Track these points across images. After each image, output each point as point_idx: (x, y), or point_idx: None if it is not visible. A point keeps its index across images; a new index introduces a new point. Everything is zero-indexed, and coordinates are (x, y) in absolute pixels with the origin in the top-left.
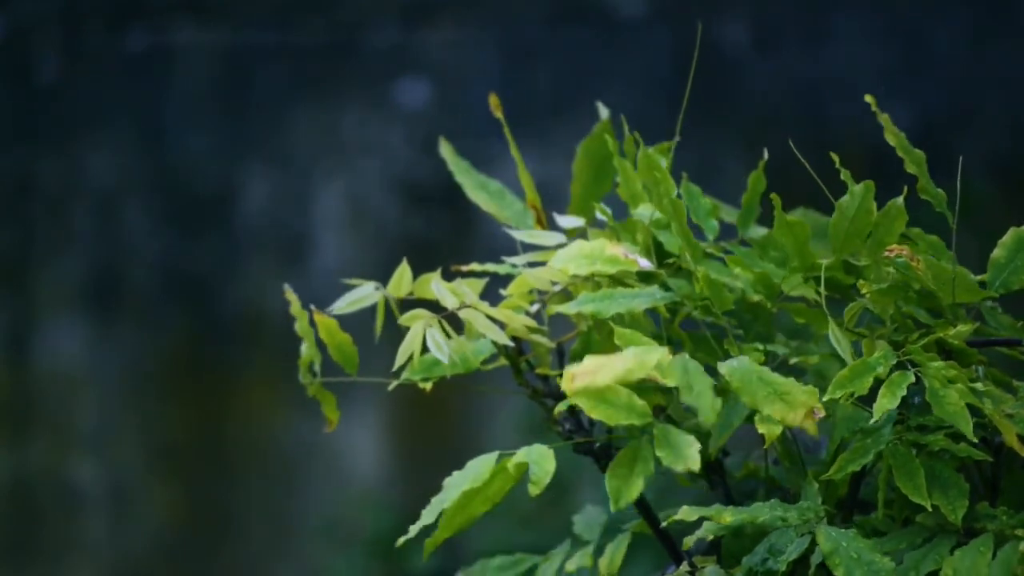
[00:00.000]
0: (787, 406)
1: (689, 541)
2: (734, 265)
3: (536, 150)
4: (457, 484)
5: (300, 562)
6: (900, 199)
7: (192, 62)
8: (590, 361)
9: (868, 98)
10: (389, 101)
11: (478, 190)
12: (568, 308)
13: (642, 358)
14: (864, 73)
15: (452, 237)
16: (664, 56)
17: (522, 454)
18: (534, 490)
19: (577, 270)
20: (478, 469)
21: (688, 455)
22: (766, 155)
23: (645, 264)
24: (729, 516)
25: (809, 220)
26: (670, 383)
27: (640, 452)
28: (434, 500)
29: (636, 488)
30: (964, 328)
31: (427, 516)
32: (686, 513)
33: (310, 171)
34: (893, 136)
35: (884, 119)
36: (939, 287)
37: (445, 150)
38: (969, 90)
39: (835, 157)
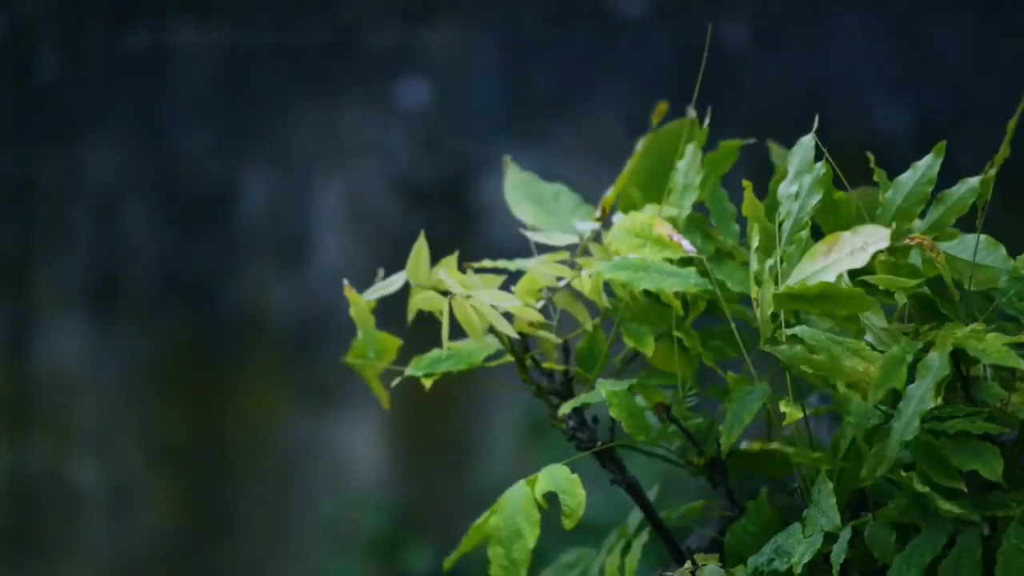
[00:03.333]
0: (864, 360)
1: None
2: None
3: (536, 150)
4: (515, 530)
5: (300, 562)
6: (977, 180)
7: (192, 62)
8: None
9: None
10: (389, 101)
11: (530, 204)
12: (603, 270)
13: None
14: (864, 73)
15: (452, 237)
16: (664, 56)
17: (545, 478)
18: (569, 524)
19: (628, 250)
20: (522, 508)
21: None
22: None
23: (689, 248)
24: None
25: (866, 200)
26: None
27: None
28: (501, 560)
29: (796, 411)
30: (978, 328)
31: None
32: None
33: (310, 171)
34: (1015, 121)
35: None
36: (962, 270)
37: (509, 166)
38: (969, 90)
39: (871, 157)
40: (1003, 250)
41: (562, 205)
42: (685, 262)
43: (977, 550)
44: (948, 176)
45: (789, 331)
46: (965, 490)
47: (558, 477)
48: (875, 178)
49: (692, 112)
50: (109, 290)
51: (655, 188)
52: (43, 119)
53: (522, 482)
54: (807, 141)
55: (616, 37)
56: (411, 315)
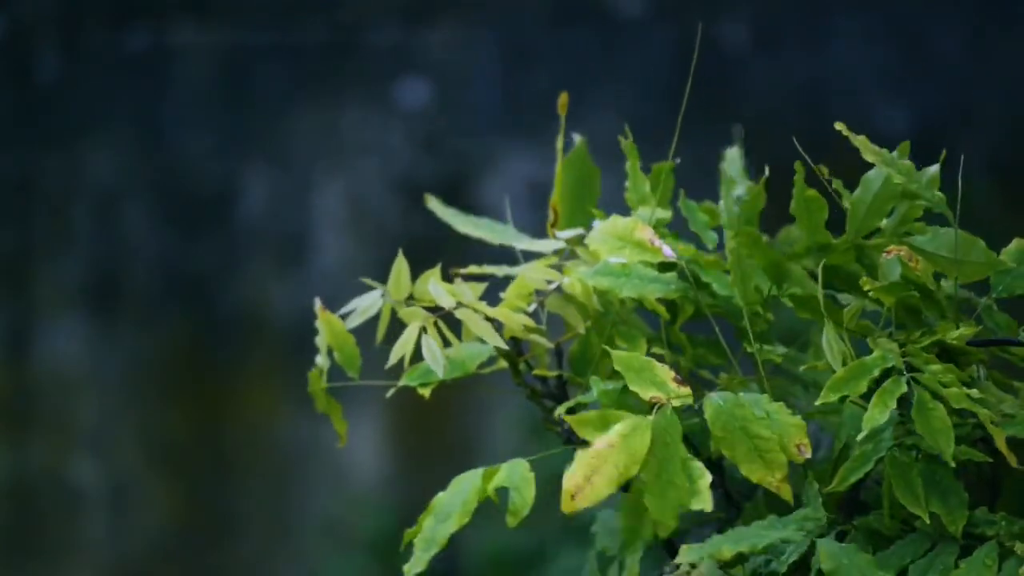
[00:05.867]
0: (765, 466)
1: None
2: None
3: (536, 150)
4: (447, 512)
5: (299, 562)
6: (935, 167)
7: (192, 62)
8: (580, 469)
9: (838, 126)
10: (389, 101)
11: (469, 227)
12: (584, 275)
13: (632, 448)
14: (864, 73)
15: (452, 237)
16: (664, 56)
17: (504, 473)
18: (511, 521)
19: (609, 253)
20: (461, 488)
21: (699, 490)
22: (767, 172)
23: (669, 253)
24: (728, 551)
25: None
26: (645, 477)
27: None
28: (426, 532)
29: (648, 528)
30: (967, 330)
31: (423, 554)
32: (685, 554)
33: (310, 171)
34: (873, 155)
35: (860, 141)
36: (946, 267)
37: (432, 203)
38: (969, 90)
39: (823, 170)
40: (982, 243)
41: (500, 232)
42: (666, 267)
43: (951, 558)
44: (948, 176)
45: (707, 402)
46: (928, 521)
47: (515, 473)
48: (833, 186)
49: (577, 138)
50: (109, 290)
51: (580, 206)
52: (43, 119)
53: (479, 471)
54: (732, 154)
55: (616, 37)
56: (380, 335)
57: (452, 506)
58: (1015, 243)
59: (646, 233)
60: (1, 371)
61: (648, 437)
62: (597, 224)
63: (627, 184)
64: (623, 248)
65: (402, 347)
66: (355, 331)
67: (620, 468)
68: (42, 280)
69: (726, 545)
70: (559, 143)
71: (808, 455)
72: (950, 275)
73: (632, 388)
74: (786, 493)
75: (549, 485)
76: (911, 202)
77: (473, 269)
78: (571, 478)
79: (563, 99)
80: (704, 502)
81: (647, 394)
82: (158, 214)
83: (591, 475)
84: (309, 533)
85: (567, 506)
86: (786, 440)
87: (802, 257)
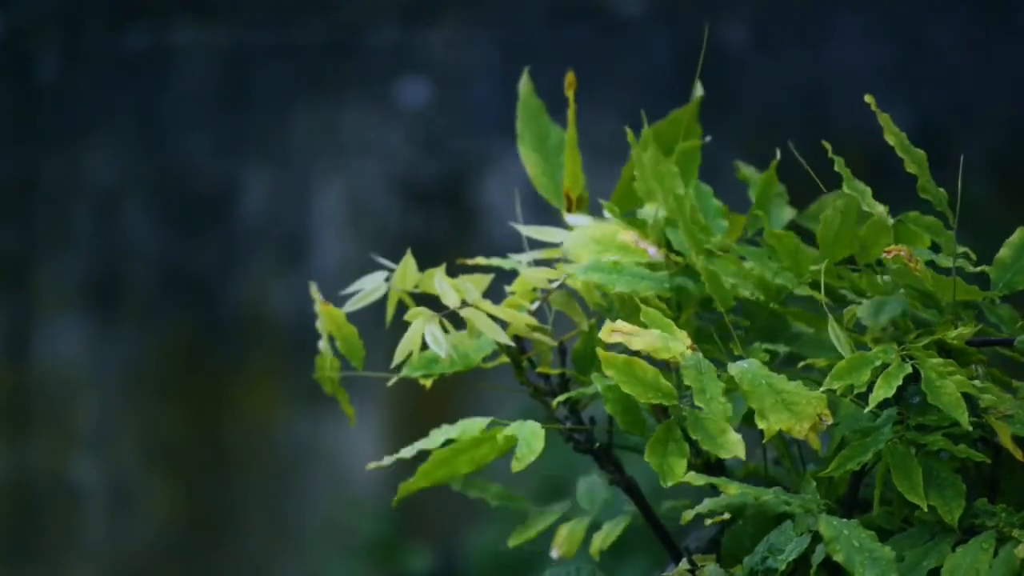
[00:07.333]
0: (793, 416)
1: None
2: (735, 264)
3: None
4: (444, 433)
5: (299, 563)
6: (883, 212)
7: (192, 62)
8: (627, 326)
9: (868, 98)
10: (389, 101)
11: (534, 145)
12: (576, 271)
13: (669, 342)
14: (864, 73)
15: (452, 237)
16: (664, 56)
17: (514, 427)
18: (516, 466)
19: (588, 257)
20: (468, 428)
21: (726, 442)
22: (779, 155)
23: (654, 253)
24: (734, 489)
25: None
26: (686, 381)
27: (672, 434)
28: (418, 443)
29: (680, 467)
30: (965, 330)
31: (406, 453)
32: (693, 478)
33: (310, 171)
34: (893, 136)
35: (884, 119)
36: (938, 287)
37: (524, 85)
38: (969, 90)
39: (838, 158)
40: (969, 252)
41: (560, 165)
42: (654, 267)
43: (949, 547)
44: (948, 176)
45: (733, 366)
46: (926, 507)
47: (524, 428)
48: (845, 187)
49: (699, 90)
50: (109, 290)
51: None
52: (43, 119)
53: (488, 419)
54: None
55: (616, 37)
56: (388, 317)
57: (451, 430)
58: (1018, 233)
59: (629, 236)
60: (1, 371)
61: (686, 340)
62: (573, 235)
63: (635, 174)
64: (605, 253)
65: (408, 343)
66: (357, 328)
67: (658, 344)
68: (42, 280)
69: (732, 486)
70: (571, 131)
71: (830, 421)
72: (946, 294)
73: (624, 390)
74: (814, 442)
75: (549, 483)
76: (873, 240)
77: (481, 260)
78: (619, 325)
79: (570, 78)
80: (738, 451)
81: (638, 394)
82: (158, 214)
83: (633, 334)
84: (309, 534)
85: (606, 335)
86: (806, 419)
87: (788, 271)
